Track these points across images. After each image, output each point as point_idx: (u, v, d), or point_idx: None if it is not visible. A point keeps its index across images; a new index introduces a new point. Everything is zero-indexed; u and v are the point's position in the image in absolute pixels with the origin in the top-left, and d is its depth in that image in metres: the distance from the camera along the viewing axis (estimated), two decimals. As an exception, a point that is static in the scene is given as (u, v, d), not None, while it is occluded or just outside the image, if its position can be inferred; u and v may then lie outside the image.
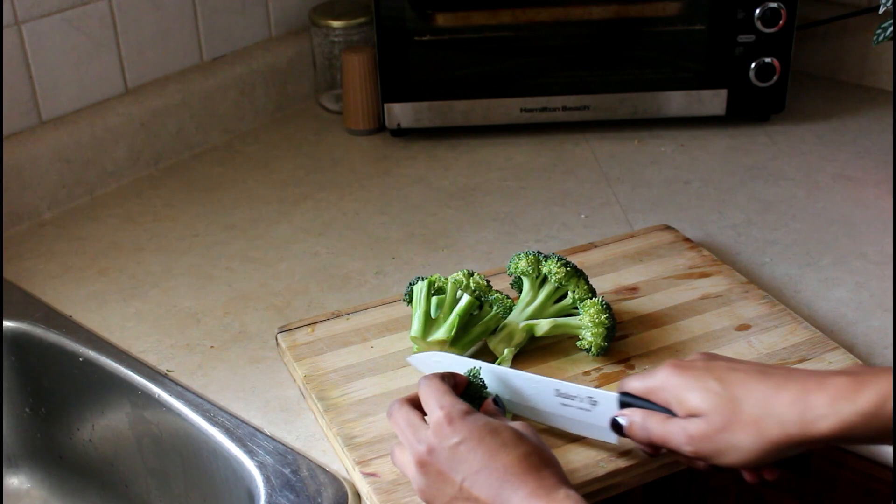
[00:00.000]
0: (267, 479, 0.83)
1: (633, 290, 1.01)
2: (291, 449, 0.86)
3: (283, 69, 1.45)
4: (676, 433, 0.73)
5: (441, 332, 0.90)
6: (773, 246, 1.11)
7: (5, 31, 1.16)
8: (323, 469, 0.84)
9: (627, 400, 0.77)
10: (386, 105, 1.34)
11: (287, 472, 0.83)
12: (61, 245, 1.17)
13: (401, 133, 1.38)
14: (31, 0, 1.17)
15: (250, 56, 1.42)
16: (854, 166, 1.27)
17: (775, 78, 1.32)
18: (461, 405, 0.73)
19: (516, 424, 0.73)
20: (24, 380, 1.05)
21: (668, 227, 1.12)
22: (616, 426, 0.77)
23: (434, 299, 0.93)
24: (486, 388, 0.81)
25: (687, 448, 0.73)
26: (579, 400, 0.79)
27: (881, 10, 1.17)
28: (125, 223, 1.21)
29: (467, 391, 0.80)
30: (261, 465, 0.84)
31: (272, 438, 0.87)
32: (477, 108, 1.35)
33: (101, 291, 1.09)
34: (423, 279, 0.94)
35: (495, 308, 0.92)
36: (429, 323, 0.91)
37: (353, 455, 0.82)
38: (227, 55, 1.41)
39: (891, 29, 1.15)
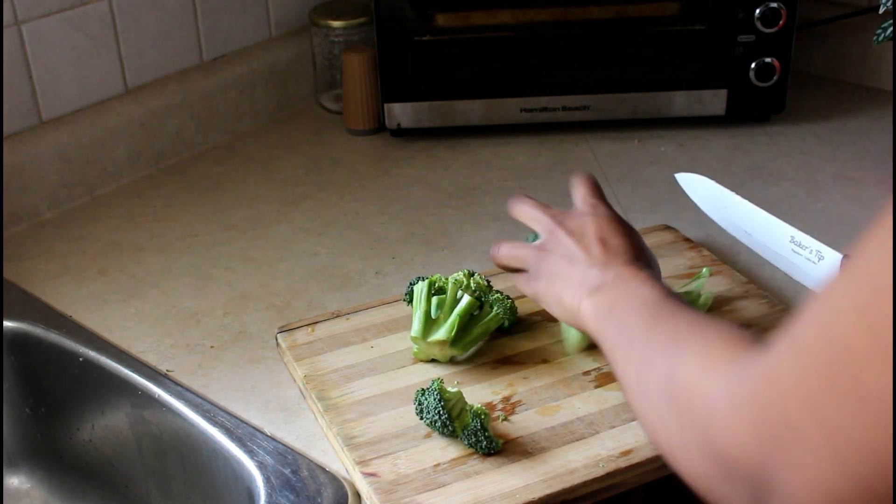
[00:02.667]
0: (267, 479, 0.83)
1: (633, 290, 1.01)
2: (291, 449, 0.86)
3: (283, 69, 1.45)
4: None
5: (441, 333, 0.90)
6: (773, 246, 1.11)
7: (5, 31, 1.16)
8: (323, 469, 0.84)
9: None
10: (386, 105, 1.34)
11: (287, 472, 0.83)
12: (61, 245, 1.17)
13: (401, 133, 1.38)
14: (31, 0, 1.17)
15: (250, 56, 1.42)
16: (854, 166, 1.27)
17: (775, 78, 1.32)
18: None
19: None
20: (24, 380, 1.05)
21: (668, 227, 1.12)
22: None
23: (434, 299, 0.93)
24: None
25: None
26: (809, 251, 0.87)
27: (881, 10, 1.18)
28: (125, 223, 1.21)
29: None
30: (261, 465, 0.84)
31: (272, 438, 0.87)
32: (477, 108, 1.35)
33: (101, 291, 1.09)
34: (423, 279, 0.94)
35: (496, 308, 0.92)
36: (429, 323, 0.91)
37: (353, 455, 0.82)
38: (227, 55, 1.41)
39: (891, 29, 1.15)
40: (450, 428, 0.82)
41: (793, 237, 0.90)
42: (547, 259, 0.84)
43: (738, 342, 0.58)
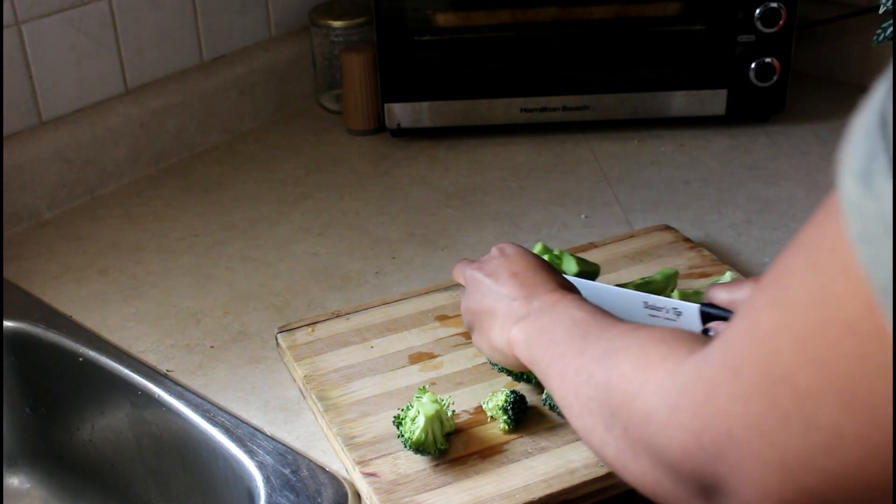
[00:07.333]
0: (267, 479, 0.83)
1: (633, 290, 1.01)
2: (291, 449, 0.86)
3: (283, 69, 1.45)
4: None
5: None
6: (773, 246, 1.11)
7: (5, 31, 1.16)
8: (323, 469, 0.84)
9: (707, 310, 0.83)
10: (386, 105, 1.34)
11: (287, 472, 0.83)
12: (61, 245, 1.17)
13: (401, 133, 1.38)
14: (30, 0, 1.17)
15: (250, 56, 1.42)
16: (854, 166, 1.27)
17: (775, 78, 1.32)
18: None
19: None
20: (24, 380, 1.05)
21: (668, 227, 1.12)
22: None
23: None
24: None
25: None
26: (665, 311, 0.85)
27: (881, 10, 1.17)
28: (125, 223, 1.21)
29: None
30: (261, 465, 0.84)
31: (272, 438, 0.87)
32: (477, 108, 1.35)
33: (101, 291, 1.09)
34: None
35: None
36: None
37: (353, 455, 0.82)
38: (227, 55, 1.41)
39: (891, 29, 1.15)
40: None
41: (645, 302, 0.87)
42: (474, 305, 0.82)
43: (672, 341, 0.57)
